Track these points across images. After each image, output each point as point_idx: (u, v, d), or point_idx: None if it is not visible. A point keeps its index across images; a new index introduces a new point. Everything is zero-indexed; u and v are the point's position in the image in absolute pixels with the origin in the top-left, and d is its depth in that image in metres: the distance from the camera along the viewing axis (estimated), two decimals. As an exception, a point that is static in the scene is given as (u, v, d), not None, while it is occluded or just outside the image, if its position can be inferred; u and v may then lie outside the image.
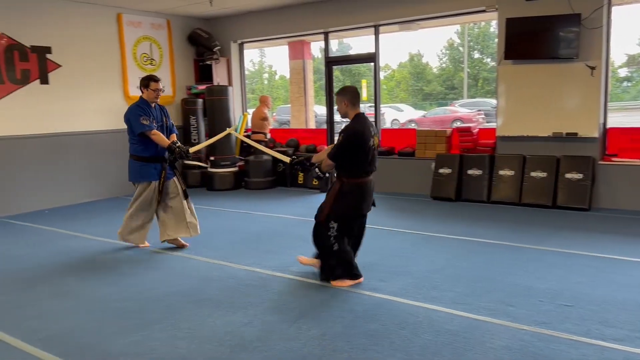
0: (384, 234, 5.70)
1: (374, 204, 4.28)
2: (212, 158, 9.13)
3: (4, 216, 7.17)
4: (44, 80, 7.61)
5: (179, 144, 5.17)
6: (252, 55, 43.64)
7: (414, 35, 32.53)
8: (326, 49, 9.14)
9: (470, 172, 7.40)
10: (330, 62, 9.12)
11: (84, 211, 7.47)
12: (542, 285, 3.99)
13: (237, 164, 9.27)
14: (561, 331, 3.21)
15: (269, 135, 9.39)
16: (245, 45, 10.17)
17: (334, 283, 4.12)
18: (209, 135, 9.22)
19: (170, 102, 9.46)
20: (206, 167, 9.27)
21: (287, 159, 4.58)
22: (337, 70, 9.98)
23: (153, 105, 5.23)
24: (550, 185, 6.78)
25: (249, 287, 4.13)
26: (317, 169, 4.27)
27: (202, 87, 9.46)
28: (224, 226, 6.31)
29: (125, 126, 5.14)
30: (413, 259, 4.77)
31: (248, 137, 9.55)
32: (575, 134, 6.71)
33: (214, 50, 9.54)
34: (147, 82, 5.17)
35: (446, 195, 7.47)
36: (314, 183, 8.83)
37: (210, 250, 5.24)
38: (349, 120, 4.09)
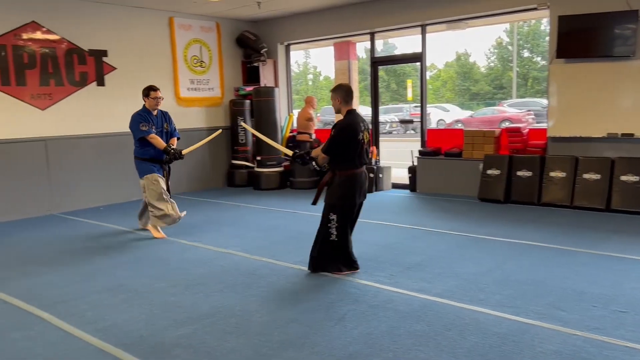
0: (430, 235, 5.65)
1: (365, 196, 4.49)
2: (258, 158, 9.29)
3: (61, 212, 7.53)
4: (101, 82, 7.95)
5: (173, 147, 5.82)
6: (296, 56, 44.07)
7: (461, 34, 31.96)
8: (372, 49, 9.14)
9: (519, 173, 7.24)
10: (376, 62, 9.11)
11: (137, 208, 7.73)
12: (595, 290, 3.87)
13: (283, 164, 9.39)
14: (615, 337, 3.12)
15: (314, 136, 9.46)
16: (292, 46, 10.29)
17: (336, 274, 4.37)
18: (256, 136, 9.38)
19: (218, 103, 9.68)
20: (253, 167, 9.44)
21: (290, 153, 4.88)
22: (381, 71, 9.96)
23: (155, 112, 5.83)
24: (605, 187, 6.56)
25: (295, 285, 4.19)
26: (314, 163, 4.50)
27: (249, 88, 9.63)
28: (270, 225, 6.42)
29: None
30: (459, 261, 4.72)
31: (294, 137, 9.68)
32: (632, 134, 6.46)
33: (261, 52, 9.70)
34: (148, 91, 5.80)
35: (494, 197, 7.33)
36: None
37: (257, 248, 5.35)
38: (342, 116, 4.38)
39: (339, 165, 4.34)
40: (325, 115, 23.35)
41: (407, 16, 8.26)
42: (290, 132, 9.95)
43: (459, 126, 19.38)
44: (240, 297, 3.96)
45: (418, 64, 8.56)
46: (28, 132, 7.26)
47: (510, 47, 31.88)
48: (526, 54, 32.16)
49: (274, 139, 9.23)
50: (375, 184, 8.62)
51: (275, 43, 10.03)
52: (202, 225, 6.49)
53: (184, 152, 5.88)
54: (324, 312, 3.61)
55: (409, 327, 3.34)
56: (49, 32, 7.39)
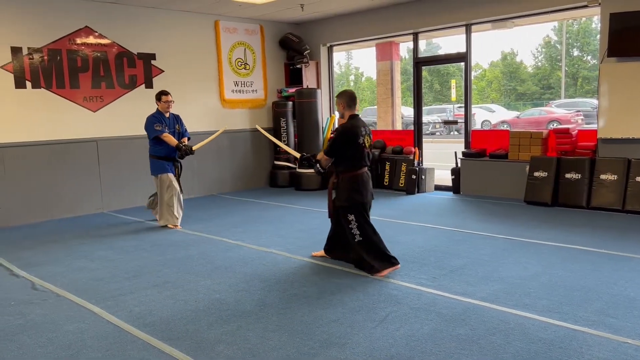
0: (474, 238, 5.57)
1: (372, 196, 4.65)
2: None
3: (111, 210, 7.81)
4: (149, 85, 8.20)
5: (185, 144, 6.38)
6: (338, 57, 44.14)
7: (507, 33, 31.27)
8: (415, 49, 9.07)
9: (568, 175, 7.03)
10: (419, 62, 9.03)
11: (184, 207, 7.93)
12: (649, 298, 3.72)
13: (325, 165, 9.42)
14: (670, 347, 2.99)
15: (356, 137, 9.46)
16: (334, 48, 10.32)
17: (377, 275, 4.39)
18: (298, 137, 9.47)
19: (262, 105, 9.82)
20: (294, 168, 9.52)
21: (297, 155, 5.13)
22: (424, 71, 9.87)
23: (167, 114, 6.44)
24: (659, 191, 6.29)
25: (337, 286, 4.21)
26: (317, 164, 4.70)
27: (292, 90, 9.72)
28: (311, 225, 6.46)
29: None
30: (504, 264, 4.63)
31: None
32: (690, 136, 6.17)
33: (304, 53, 9.78)
34: (160, 96, 6.42)
35: (541, 200, 7.15)
36: (400, 185, 8.79)
37: (298, 248, 5.40)
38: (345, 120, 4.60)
39: (341, 168, 4.54)
40: (367, 116, 23.29)
41: (451, 16, 8.16)
42: (332, 133, 9.96)
43: (505, 127, 18.98)
44: (282, 296, 4.01)
45: (462, 63, 8.43)
46: (80, 132, 7.56)
47: (558, 46, 30.96)
48: (576, 52, 31.16)
49: (315, 140, 9.29)
50: (417, 186, 8.55)
51: (317, 45, 10.09)
52: (245, 224, 6.60)
53: (194, 148, 6.39)
54: (365, 313, 3.62)
55: (451, 330, 3.30)
56: (100, 36, 7.69)
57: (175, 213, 6.49)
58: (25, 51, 7.01)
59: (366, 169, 4.59)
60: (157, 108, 6.44)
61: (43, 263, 5.18)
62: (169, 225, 6.53)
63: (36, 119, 7.15)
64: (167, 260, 5.12)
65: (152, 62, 8.26)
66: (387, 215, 6.89)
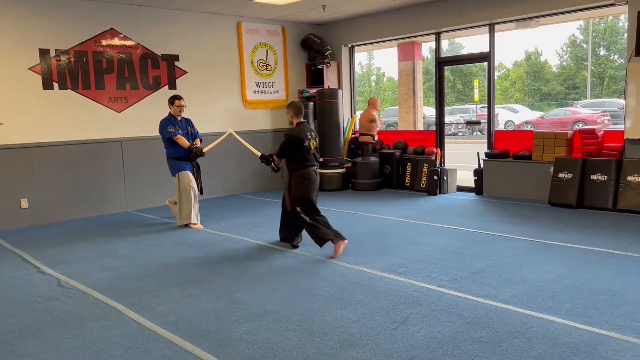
0: (497, 240, 5.50)
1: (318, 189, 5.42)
2: (321, 159, 9.36)
3: (135, 210, 7.93)
4: (172, 86, 8.31)
5: (196, 145, 6.63)
6: (360, 58, 44.09)
7: (531, 32, 30.82)
8: (437, 49, 9.01)
9: (593, 177, 6.91)
10: (442, 62, 8.96)
11: (206, 207, 8.02)
12: (677, 303, 3.63)
13: (345, 165, 9.43)
14: (699, 354, 2.91)
15: (376, 137, 9.45)
16: (355, 48, 10.31)
17: (332, 256, 5.07)
18: (319, 137, 9.48)
19: (283, 105, 9.85)
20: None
21: (258, 153, 5.77)
22: (447, 71, 9.79)
23: (179, 118, 6.66)
24: (689, 193, 6.13)
25: (357, 286, 4.20)
26: (272, 163, 5.45)
27: (313, 90, 9.74)
28: (332, 225, 6.45)
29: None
30: (528, 267, 4.57)
31: (356, 138, 9.69)
32: None
33: (326, 54, 9.79)
34: (173, 100, 6.63)
35: (566, 202, 7.03)
36: (422, 186, 8.74)
37: (318, 248, 5.40)
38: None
39: (292, 167, 5.30)
40: (389, 117, 23.21)
41: (474, 15, 8.08)
42: (353, 134, 9.97)
43: (529, 127, 18.72)
44: (302, 296, 4.02)
45: (485, 63, 8.34)
46: (105, 133, 7.70)
47: (584, 45, 30.42)
48: (602, 52, 30.57)
49: (337, 140, 9.29)
50: (439, 187, 8.49)
51: (339, 45, 10.09)
52: (266, 224, 6.63)
53: (204, 150, 6.65)
54: (385, 314, 3.60)
55: (473, 332, 3.27)
56: (125, 38, 7.81)
57: (194, 212, 6.62)
58: (52, 53, 7.16)
59: (314, 167, 5.33)
60: (170, 112, 6.65)
61: (69, 261, 5.29)
62: (191, 225, 6.62)
63: (63, 119, 7.30)
64: (190, 259, 5.18)
65: (176, 63, 8.36)
66: (408, 216, 6.85)
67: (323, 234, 5.15)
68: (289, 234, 5.58)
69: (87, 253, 5.57)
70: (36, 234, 6.56)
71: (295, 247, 5.46)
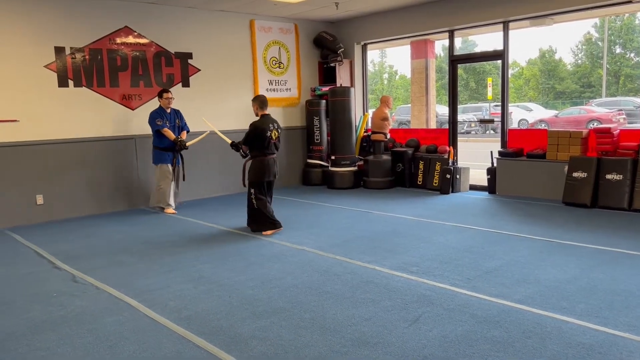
0: (510, 240, 5.47)
1: (274, 176, 6.17)
2: (332, 157, 9.36)
3: (149, 207, 7.97)
4: (186, 84, 8.35)
5: (180, 138, 7.31)
6: (372, 55, 43.99)
7: (546, 30, 30.52)
8: (451, 47, 8.95)
9: (609, 176, 6.83)
10: (455, 60, 8.91)
11: (217, 203, 8.07)
12: (694, 304, 3.58)
13: (357, 164, 9.41)
14: None
15: (388, 135, 9.41)
16: (368, 46, 10.28)
17: (264, 233, 5.98)
18: (331, 135, 9.48)
19: (295, 103, 9.87)
20: (327, 166, 9.53)
21: (229, 141, 6.39)
22: (460, 69, 9.73)
23: (168, 110, 7.33)
24: None
25: (369, 284, 4.20)
26: (241, 150, 6.16)
27: (325, 88, 9.73)
28: (343, 224, 6.46)
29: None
30: (541, 266, 4.53)
31: (368, 136, 9.67)
32: None
33: (338, 52, 9.77)
34: (161, 93, 7.30)
35: (580, 201, 6.96)
36: (434, 184, 8.70)
37: (331, 246, 5.40)
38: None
39: (254, 153, 6.03)
40: (401, 115, 23.13)
41: (488, 13, 8.02)
42: (365, 132, 9.96)
43: (543, 126, 18.55)
44: (314, 294, 4.02)
45: (499, 61, 8.28)
46: (120, 130, 7.76)
47: (600, 43, 30.05)
48: (618, 49, 30.18)
49: (349, 138, 9.27)
50: (452, 185, 8.45)
51: (352, 43, 10.07)
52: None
53: (188, 144, 7.35)
54: (398, 313, 3.60)
55: (486, 332, 3.25)
56: (139, 36, 7.86)
57: (169, 200, 7.41)
58: (67, 51, 7.23)
59: (273, 155, 6.06)
60: (159, 104, 7.32)
61: (83, 256, 5.34)
62: (165, 211, 7.40)
63: (77, 116, 7.37)
64: (202, 256, 5.20)
65: (189, 61, 8.40)
66: (420, 215, 6.83)
67: (261, 221, 6.05)
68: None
69: (100, 249, 5.63)
70: (51, 230, 6.64)
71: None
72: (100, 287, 4.35)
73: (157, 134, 7.23)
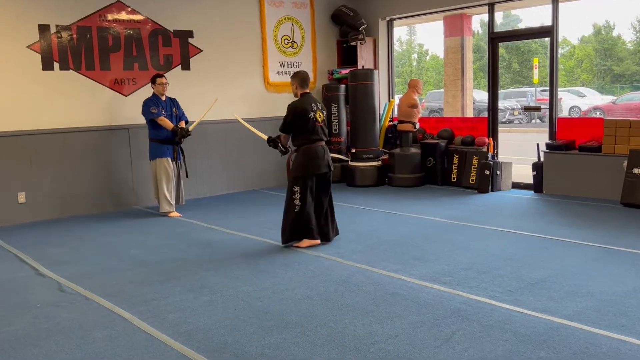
0: (559, 246, 5.42)
1: (329, 168, 5.70)
2: (353, 150, 9.36)
3: (144, 206, 8.06)
4: (186, 66, 8.40)
5: (181, 126, 7.26)
6: (399, 33, 43.82)
7: (601, 2, 30.09)
8: (491, 22, 8.89)
9: (675, 173, 6.73)
10: (495, 38, 8.85)
11: (221, 203, 8.13)
12: None
13: (381, 158, 9.40)
14: None
15: (418, 125, 9.38)
16: (395, 22, 10.25)
17: (297, 245, 5.58)
18: (351, 124, 9.47)
19: (311, 88, 9.74)
20: (347, 161, 9.53)
21: (265, 137, 6.00)
22: (501, 48, 9.65)
23: (163, 98, 7.32)
24: None
25: (395, 297, 4.20)
26: (280, 145, 5.77)
27: (345, 71, 9.72)
28: (366, 227, 6.46)
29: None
30: (595, 277, 4.49)
31: (394, 126, 9.65)
32: None
33: (360, 29, 9.74)
34: (154, 79, 7.31)
35: (641, 202, 6.88)
36: (471, 182, 8.65)
37: (351, 252, 5.41)
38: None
39: (297, 143, 5.62)
40: (432, 102, 23.03)
41: (534, -17, 7.94)
42: (390, 121, 9.93)
43: (598, 114, 18.33)
44: (332, 306, 4.03)
45: (547, 39, 8.22)
46: (111, 119, 7.84)
47: (666, 17, 29.55)
48: (688, 24, 29.66)
49: (372, 128, 9.26)
50: (491, 183, 8.39)
51: (375, 19, 10.04)
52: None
53: (190, 128, 7.27)
54: (428, 330, 3.59)
55: (530, 353, 3.23)
56: (133, 12, 7.93)
57: (171, 200, 7.34)
58: (53, 29, 7.32)
59: (321, 142, 5.63)
60: (153, 92, 7.31)
61: (71, 262, 5.42)
62: (169, 215, 7.30)
63: (64, 103, 7.46)
64: (205, 263, 5.24)
65: (190, 40, 8.45)
66: (455, 217, 6.80)
67: (301, 228, 5.57)
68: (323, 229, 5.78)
69: (90, 254, 5.70)
70: (35, 232, 6.74)
71: (329, 240, 5.74)
72: (90, 297, 4.41)
73: (153, 124, 7.21)
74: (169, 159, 7.28)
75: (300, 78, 5.72)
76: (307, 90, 5.74)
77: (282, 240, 5.66)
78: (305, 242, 5.59)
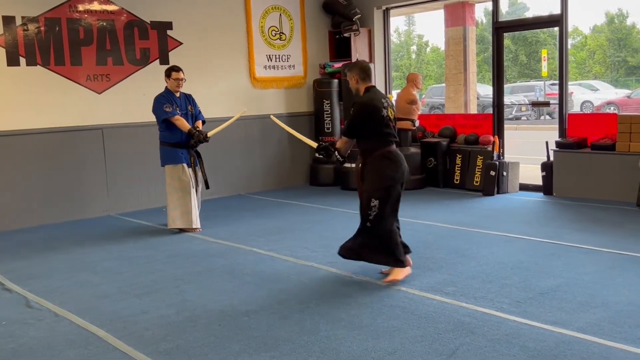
0: (571, 253, 5.44)
1: (407, 176, 5.04)
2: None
3: (119, 213, 8.03)
4: (164, 60, 8.38)
5: (198, 128, 6.70)
6: (397, 23, 43.90)
7: (615, -12, 30.29)
8: (495, 11, 8.94)
9: (695, 172, 6.77)
10: (500, 28, 8.90)
11: (205, 209, 8.07)
12: None
13: (379, 159, 9.38)
14: None
15: (417, 123, 9.39)
16: (391, 11, 10.27)
17: (390, 279, 4.76)
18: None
19: (301, 84, 9.88)
20: (342, 162, 9.51)
21: (314, 145, 5.36)
22: (507, 39, 9.69)
23: (177, 94, 6.77)
24: None
25: (393, 309, 4.20)
26: (337, 153, 4.99)
27: (338, 64, 9.74)
28: (362, 233, 6.45)
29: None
30: (610, 286, 4.51)
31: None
32: None
33: (354, 19, 9.75)
34: (169, 72, 6.70)
35: (659, 204, 6.92)
36: (475, 183, 8.67)
37: (345, 261, 5.38)
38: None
39: (368, 148, 4.83)
40: (433, 97, 23.11)
41: (542, -32, 7.98)
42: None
43: (612, 110, 18.43)
44: (325, 321, 4.03)
45: (556, 29, 8.26)
46: (83, 119, 7.81)
47: (684, 4, 29.80)
48: None
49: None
50: (497, 185, 8.42)
51: (370, 8, 10.06)
52: (280, 232, 6.66)
53: (209, 134, 6.69)
54: (429, 345, 3.59)
55: (540, 369, 3.24)
56: (107, 1, 7.91)
57: (193, 213, 6.71)
58: (18, 21, 7.29)
59: (395, 145, 4.96)
60: (166, 86, 6.76)
61: (39, 276, 5.38)
62: (186, 230, 6.76)
63: (31, 102, 7.42)
64: (186, 275, 5.23)
65: (168, 32, 8.44)
66: (458, 221, 6.81)
67: (399, 252, 4.79)
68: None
69: (61, 266, 5.67)
70: (0, 243, 6.70)
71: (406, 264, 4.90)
72: (60, 314, 4.38)
73: (166, 124, 6.61)
74: (185, 165, 6.70)
75: (360, 69, 4.94)
76: (371, 83, 5.02)
77: (341, 252, 4.99)
78: (400, 273, 4.81)
